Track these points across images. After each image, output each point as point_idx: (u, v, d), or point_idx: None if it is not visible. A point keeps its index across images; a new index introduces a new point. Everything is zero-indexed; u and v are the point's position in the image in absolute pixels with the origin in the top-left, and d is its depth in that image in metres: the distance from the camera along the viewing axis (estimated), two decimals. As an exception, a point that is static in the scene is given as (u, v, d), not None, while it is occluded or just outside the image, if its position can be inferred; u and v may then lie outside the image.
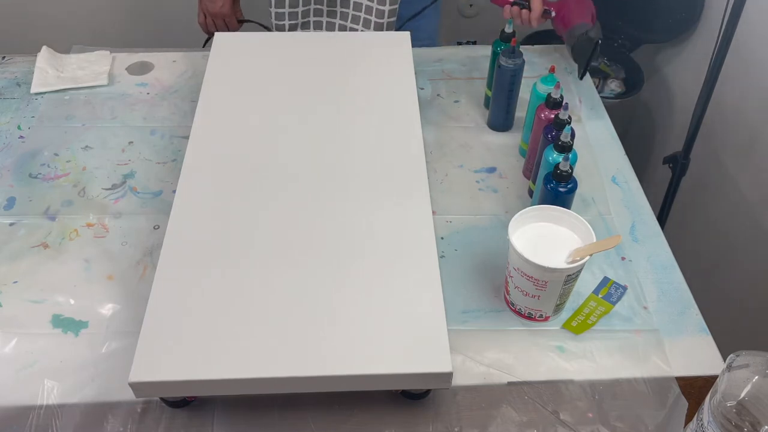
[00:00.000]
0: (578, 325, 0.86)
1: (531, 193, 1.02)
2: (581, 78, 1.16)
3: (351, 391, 0.75)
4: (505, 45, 1.11)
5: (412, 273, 0.79)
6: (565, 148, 0.89)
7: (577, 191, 0.90)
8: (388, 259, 0.80)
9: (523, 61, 1.06)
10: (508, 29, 1.11)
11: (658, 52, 1.80)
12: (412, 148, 0.95)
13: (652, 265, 0.94)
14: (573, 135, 0.89)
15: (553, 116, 0.95)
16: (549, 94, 0.96)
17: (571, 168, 0.87)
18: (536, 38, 1.84)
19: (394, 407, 0.78)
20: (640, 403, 0.79)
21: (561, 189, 0.88)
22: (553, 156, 0.90)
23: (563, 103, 0.94)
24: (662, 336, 0.85)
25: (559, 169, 0.87)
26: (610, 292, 0.90)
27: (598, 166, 1.08)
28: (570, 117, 0.93)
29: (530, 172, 1.03)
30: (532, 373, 0.81)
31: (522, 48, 1.10)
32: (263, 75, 1.07)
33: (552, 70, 1.03)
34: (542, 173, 0.92)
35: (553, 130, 0.93)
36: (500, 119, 1.13)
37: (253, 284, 0.77)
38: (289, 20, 1.29)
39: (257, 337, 0.72)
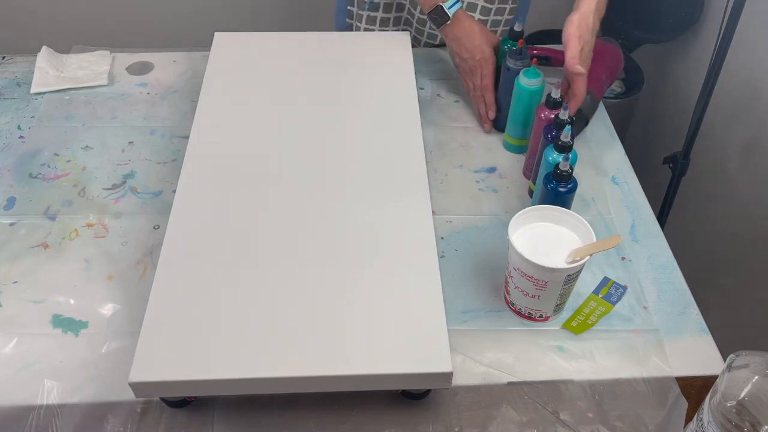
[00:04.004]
0: (578, 325, 0.86)
1: (531, 193, 1.02)
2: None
3: (351, 391, 0.75)
4: (512, 44, 1.11)
5: (412, 273, 0.79)
6: (565, 148, 0.89)
7: (577, 191, 0.90)
8: (388, 259, 0.80)
9: (530, 62, 1.06)
10: (518, 27, 1.10)
11: (658, 52, 1.80)
12: (412, 148, 0.95)
13: (652, 265, 0.94)
14: (573, 135, 0.89)
15: (553, 116, 0.95)
16: (549, 94, 0.96)
17: (571, 168, 0.87)
18: (537, 39, 1.84)
19: (394, 407, 0.78)
20: (640, 403, 0.79)
21: (561, 189, 0.88)
22: (553, 156, 0.90)
23: (564, 104, 0.94)
24: (662, 336, 0.85)
25: (559, 169, 0.87)
26: (610, 292, 0.90)
27: (598, 166, 1.08)
28: (572, 117, 0.93)
29: (530, 172, 1.03)
30: (532, 373, 0.81)
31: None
32: (263, 75, 1.07)
33: (534, 62, 1.03)
34: (542, 173, 0.92)
35: (553, 130, 0.93)
36: (506, 120, 1.13)
37: (252, 284, 0.77)
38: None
39: (257, 337, 0.72)
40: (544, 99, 0.99)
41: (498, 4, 1.26)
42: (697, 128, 1.35)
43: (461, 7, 1.10)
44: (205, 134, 0.96)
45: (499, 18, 1.27)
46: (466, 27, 1.09)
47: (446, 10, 1.08)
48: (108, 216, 0.98)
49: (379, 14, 1.30)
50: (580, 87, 1.01)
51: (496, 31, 1.28)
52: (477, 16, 1.26)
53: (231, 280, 0.78)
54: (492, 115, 1.12)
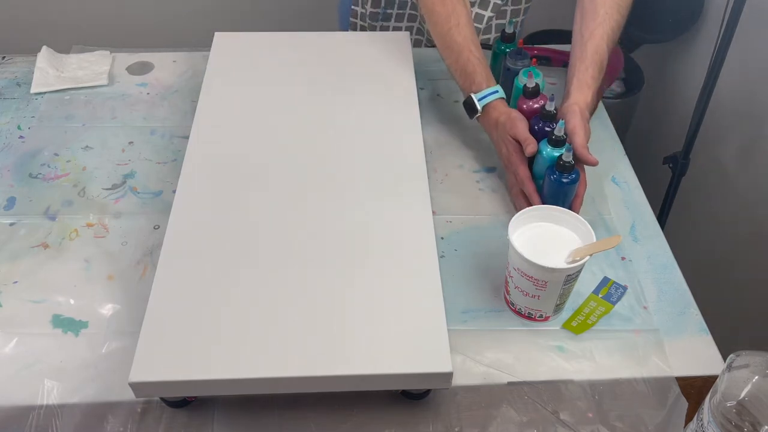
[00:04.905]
0: (578, 325, 0.86)
1: None
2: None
3: (351, 391, 0.75)
4: (507, 45, 1.11)
5: (412, 273, 0.79)
6: (559, 143, 0.89)
7: (577, 191, 0.90)
8: (388, 259, 0.80)
9: (530, 62, 1.06)
10: (509, 29, 1.11)
11: (658, 52, 1.80)
12: (412, 148, 0.95)
13: (652, 265, 0.94)
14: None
15: (536, 106, 0.96)
16: (525, 85, 0.96)
17: (574, 158, 0.88)
18: (537, 39, 1.84)
19: (394, 407, 0.78)
20: (640, 403, 0.79)
21: (564, 180, 0.89)
22: (548, 150, 0.91)
23: (542, 93, 0.95)
24: (662, 336, 0.85)
25: (562, 160, 0.88)
26: (610, 292, 0.90)
27: (598, 166, 1.08)
28: (555, 108, 0.94)
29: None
30: (532, 373, 0.81)
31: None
32: (263, 75, 1.07)
33: (534, 63, 1.03)
34: (537, 168, 0.93)
35: (540, 121, 0.94)
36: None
37: (252, 284, 0.77)
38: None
39: (257, 337, 0.72)
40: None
41: (512, 5, 1.26)
42: (697, 128, 1.36)
43: (498, 98, 0.99)
44: (205, 134, 0.96)
45: (505, 9, 1.27)
46: (491, 120, 0.99)
47: (476, 102, 0.99)
48: (108, 216, 0.98)
49: (392, 23, 1.30)
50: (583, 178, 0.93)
51: (502, 25, 1.27)
52: (488, 13, 1.25)
53: (231, 280, 0.78)
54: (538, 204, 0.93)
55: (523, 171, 0.94)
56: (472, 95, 0.99)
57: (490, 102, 0.99)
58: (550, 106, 0.93)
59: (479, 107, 0.99)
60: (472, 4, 1.25)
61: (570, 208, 0.92)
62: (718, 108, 1.47)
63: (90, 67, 1.24)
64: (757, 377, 0.65)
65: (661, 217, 1.49)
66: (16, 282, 0.89)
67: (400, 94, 1.04)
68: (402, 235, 0.83)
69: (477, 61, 1.00)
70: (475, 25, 1.26)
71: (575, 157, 0.91)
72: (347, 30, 1.37)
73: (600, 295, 0.89)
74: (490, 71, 1.02)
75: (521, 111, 0.97)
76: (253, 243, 0.82)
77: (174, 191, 0.88)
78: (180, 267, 0.79)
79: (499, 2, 1.24)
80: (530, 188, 0.94)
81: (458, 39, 1.01)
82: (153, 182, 1.03)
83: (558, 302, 0.84)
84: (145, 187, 1.03)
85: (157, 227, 0.96)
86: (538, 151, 0.92)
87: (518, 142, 0.95)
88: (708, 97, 1.31)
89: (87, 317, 0.85)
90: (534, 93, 0.96)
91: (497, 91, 0.99)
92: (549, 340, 0.85)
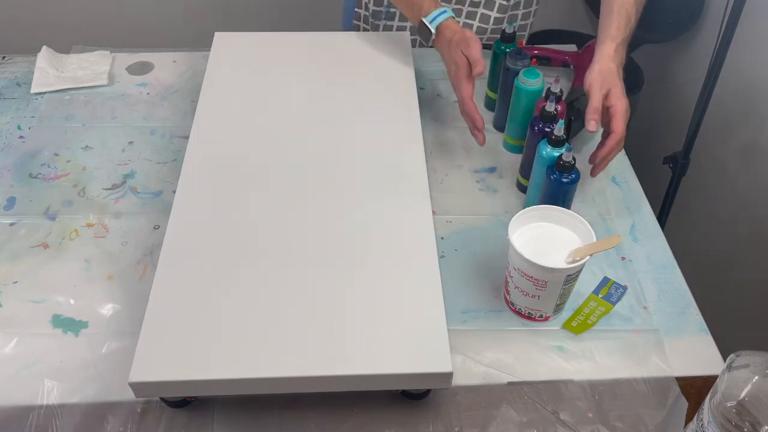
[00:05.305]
0: (578, 325, 0.86)
1: (519, 186, 1.03)
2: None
3: (351, 391, 0.75)
4: (507, 45, 1.11)
5: (412, 273, 0.79)
6: (559, 143, 0.89)
7: (578, 191, 0.90)
8: (388, 259, 0.80)
9: (530, 62, 1.06)
10: (509, 29, 1.11)
11: (658, 52, 1.80)
12: (412, 148, 0.95)
13: (652, 265, 0.94)
14: (574, 133, 0.89)
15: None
16: (548, 88, 0.96)
17: (574, 159, 0.88)
18: (537, 39, 1.84)
19: (394, 407, 0.78)
20: (640, 403, 0.79)
21: (564, 179, 0.89)
22: (547, 150, 0.90)
23: (551, 95, 0.94)
24: (662, 336, 0.85)
25: (562, 160, 0.88)
26: (610, 292, 0.90)
27: (598, 166, 1.08)
28: (571, 117, 0.93)
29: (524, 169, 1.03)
30: (532, 373, 0.81)
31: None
32: (263, 75, 1.07)
33: (534, 63, 1.03)
34: (536, 168, 0.93)
35: (540, 122, 0.94)
36: (506, 120, 1.13)
37: (252, 284, 0.77)
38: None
39: (257, 337, 0.72)
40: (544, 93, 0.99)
41: (523, 8, 1.25)
42: (697, 128, 1.36)
43: (448, 17, 1.01)
44: (205, 134, 0.96)
45: (516, 13, 1.27)
46: (445, 40, 1.00)
47: (428, 25, 1.01)
48: (108, 216, 0.98)
49: (395, 22, 1.30)
50: (616, 124, 0.93)
51: (499, 28, 1.27)
52: (494, 14, 1.25)
53: (231, 280, 0.78)
54: (478, 125, 0.99)
55: (465, 90, 0.97)
56: (423, 19, 1.01)
57: (443, 22, 1.00)
58: (551, 107, 0.93)
59: (432, 29, 1.00)
60: (477, 5, 1.25)
61: (594, 163, 0.93)
62: (718, 108, 1.47)
63: (90, 67, 1.24)
64: (757, 377, 0.65)
65: (661, 217, 1.49)
66: (16, 282, 0.89)
67: (400, 94, 1.04)
68: (402, 235, 0.83)
69: None
70: (481, 25, 1.26)
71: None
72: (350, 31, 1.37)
73: (600, 295, 0.89)
74: None
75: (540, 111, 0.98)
76: (253, 243, 0.82)
77: (174, 191, 0.88)
78: (180, 267, 0.79)
79: (505, 3, 1.24)
80: (470, 108, 0.97)
81: None
82: (153, 182, 1.03)
83: (558, 302, 0.84)
84: (145, 187, 1.03)
85: (157, 227, 0.96)
86: (538, 151, 0.92)
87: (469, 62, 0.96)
88: (708, 97, 1.31)
89: (87, 317, 0.85)
90: (556, 100, 0.96)
91: (446, 11, 1.01)
92: (549, 340, 0.85)
